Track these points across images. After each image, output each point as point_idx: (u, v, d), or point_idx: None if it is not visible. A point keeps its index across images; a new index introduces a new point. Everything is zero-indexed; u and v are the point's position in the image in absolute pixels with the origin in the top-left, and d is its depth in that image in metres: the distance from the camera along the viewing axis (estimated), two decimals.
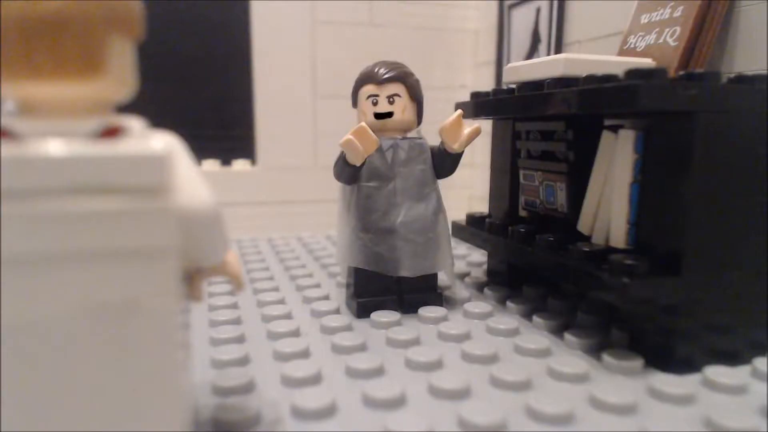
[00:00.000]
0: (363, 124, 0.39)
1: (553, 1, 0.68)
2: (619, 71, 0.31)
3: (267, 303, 0.43)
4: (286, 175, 0.81)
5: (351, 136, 0.38)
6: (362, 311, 0.40)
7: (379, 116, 0.41)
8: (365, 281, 0.41)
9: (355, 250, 0.41)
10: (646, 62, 0.39)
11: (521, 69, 0.42)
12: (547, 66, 0.38)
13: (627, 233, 0.34)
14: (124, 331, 0.18)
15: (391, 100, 0.41)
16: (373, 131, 0.40)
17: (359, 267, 0.41)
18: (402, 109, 0.41)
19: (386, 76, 0.41)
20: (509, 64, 0.44)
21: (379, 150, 0.40)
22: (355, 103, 0.43)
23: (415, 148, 0.41)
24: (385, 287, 0.41)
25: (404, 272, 0.41)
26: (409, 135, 0.42)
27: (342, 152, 0.40)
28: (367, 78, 0.42)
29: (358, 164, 0.39)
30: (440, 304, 0.42)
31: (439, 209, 0.42)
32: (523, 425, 0.26)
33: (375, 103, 0.41)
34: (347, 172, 0.40)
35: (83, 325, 0.18)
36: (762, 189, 0.32)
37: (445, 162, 0.42)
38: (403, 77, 0.41)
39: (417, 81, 0.43)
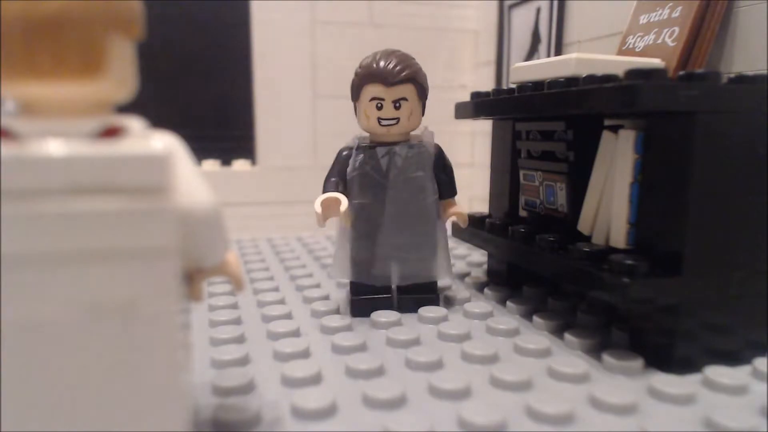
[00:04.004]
0: (343, 204, 0.36)
1: (553, 1, 0.68)
2: None
3: (267, 303, 0.43)
4: (286, 175, 0.81)
5: (319, 210, 0.36)
6: (361, 311, 0.40)
7: (383, 123, 0.38)
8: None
9: (347, 262, 0.40)
10: (656, 62, 0.39)
11: (530, 69, 0.41)
12: (557, 66, 0.38)
13: (627, 233, 0.34)
14: (124, 331, 0.18)
15: (398, 105, 0.37)
16: (375, 136, 0.39)
17: (351, 280, 0.41)
18: (408, 115, 0.38)
19: (396, 78, 0.37)
20: (517, 64, 0.42)
21: (374, 157, 0.39)
22: (356, 97, 0.39)
23: (413, 156, 0.39)
24: (385, 287, 0.41)
25: (395, 283, 0.41)
26: (414, 133, 0.40)
27: (330, 171, 0.40)
28: (372, 76, 0.37)
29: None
30: (440, 304, 0.42)
31: (438, 216, 0.40)
32: (523, 425, 0.26)
33: (379, 108, 0.38)
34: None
35: (83, 325, 0.18)
36: (762, 189, 0.32)
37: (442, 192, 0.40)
38: (413, 77, 0.38)
39: (425, 75, 0.39)
